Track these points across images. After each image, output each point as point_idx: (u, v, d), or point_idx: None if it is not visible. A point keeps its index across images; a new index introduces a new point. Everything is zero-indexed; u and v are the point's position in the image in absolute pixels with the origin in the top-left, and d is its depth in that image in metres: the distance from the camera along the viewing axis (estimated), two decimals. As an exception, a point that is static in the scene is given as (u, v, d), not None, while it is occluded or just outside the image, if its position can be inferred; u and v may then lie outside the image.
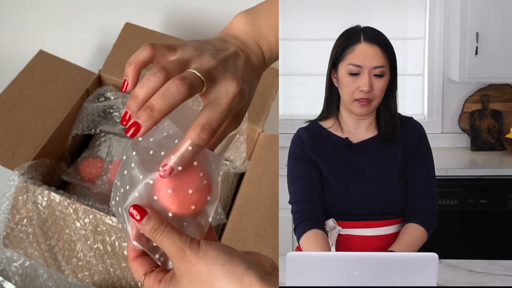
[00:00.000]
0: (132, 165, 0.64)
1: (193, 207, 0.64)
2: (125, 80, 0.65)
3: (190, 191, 0.64)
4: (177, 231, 0.63)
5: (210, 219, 0.66)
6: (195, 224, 0.65)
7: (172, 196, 0.63)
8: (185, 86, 0.61)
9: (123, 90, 0.66)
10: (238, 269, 0.61)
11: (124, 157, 0.66)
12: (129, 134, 0.62)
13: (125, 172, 0.64)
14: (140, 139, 0.65)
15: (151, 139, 0.65)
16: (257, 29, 0.77)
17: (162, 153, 0.64)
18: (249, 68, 0.72)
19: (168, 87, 0.61)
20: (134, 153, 0.64)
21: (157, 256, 0.65)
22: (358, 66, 1.05)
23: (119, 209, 0.65)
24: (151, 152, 0.65)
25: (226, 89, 0.66)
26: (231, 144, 1.43)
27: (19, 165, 1.21)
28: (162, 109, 0.61)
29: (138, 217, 0.62)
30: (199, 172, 0.64)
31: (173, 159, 0.61)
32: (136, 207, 0.63)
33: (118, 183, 0.66)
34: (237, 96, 0.67)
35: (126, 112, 0.63)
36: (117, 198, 0.66)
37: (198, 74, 0.64)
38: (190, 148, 0.62)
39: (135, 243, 0.64)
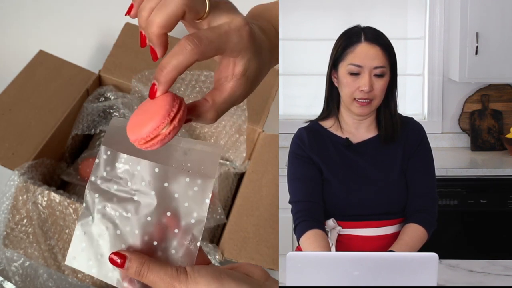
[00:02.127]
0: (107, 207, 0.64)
1: (176, 230, 0.63)
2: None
3: (169, 213, 0.63)
4: (162, 265, 0.61)
5: (199, 243, 0.64)
6: (184, 251, 0.63)
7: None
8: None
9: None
10: None
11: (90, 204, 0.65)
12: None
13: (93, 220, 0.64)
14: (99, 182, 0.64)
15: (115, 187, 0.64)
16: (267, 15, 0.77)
17: (129, 183, 0.64)
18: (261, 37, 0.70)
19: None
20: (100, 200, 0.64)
21: None
22: (359, 66, 1.05)
23: (98, 256, 0.64)
24: (117, 187, 0.64)
25: (231, 21, 0.64)
26: (231, 144, 1.43)
27: (19, 165, 1.21)
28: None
29: (119, 262, 0.61)
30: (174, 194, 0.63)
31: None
32: (115, 253, 0.62)
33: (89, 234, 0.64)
34: (243, 30, 0.64)
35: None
36: (94, 248, 0.64)
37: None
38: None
39: (126, 285, 0.63)
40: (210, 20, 0.64)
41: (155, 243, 0.63)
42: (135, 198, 0.64)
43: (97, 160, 0.65)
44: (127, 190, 0.64)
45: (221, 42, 0.62)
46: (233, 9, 0.66)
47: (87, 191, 0.64)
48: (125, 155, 0.64)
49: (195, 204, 0.63)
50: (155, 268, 0.61)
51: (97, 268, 0.64)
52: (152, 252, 0.63)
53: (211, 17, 0.64)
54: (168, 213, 0.63)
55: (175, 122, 0.60)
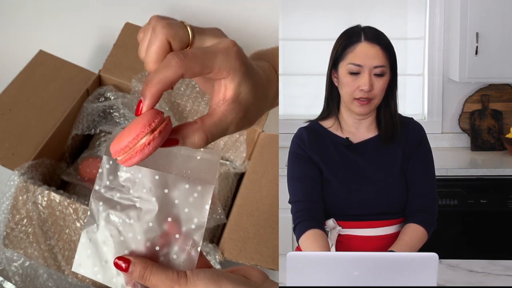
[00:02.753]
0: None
1: (177, 236, 0.65)
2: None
3: (169, 219, 0.65)
4: (163, 269, 0.63)
5: (199, 248, 0.65)
6: (185, 256, 0.65)
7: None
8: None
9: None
10: None
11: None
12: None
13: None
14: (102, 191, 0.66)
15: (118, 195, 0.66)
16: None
17: (131, 191, 0.65)
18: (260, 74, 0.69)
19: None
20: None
21: None
22: (359, 65, 1.05)
23: (103, 262, 0.66)
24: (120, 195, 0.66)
25: (218, 42, 0.64)
26: (231, 144, 1.43)
27: (19, 165, 1.21)
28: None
29: (124, 266, 0.63)
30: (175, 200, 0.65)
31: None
32: (119, 258, 0.64)
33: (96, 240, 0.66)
34: (230, 50, 0.63)
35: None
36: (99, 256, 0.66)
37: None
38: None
39: None
40: (197, 45, 0.65)
41: (157, 248, 0.65)
42: (137, 205, 0.65)
43: (100, 170, 0.66)
44: (129, 198, 0.66)
45: (207, 59, 0.62)
46: (220, 34, 0.67)
47: (91, 200, 0.67)
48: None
49: (195, 210, 0.65)
50: (157, 272, 0.63)
51: (102, 274, 0.66)
52: (154, 257, 0.65)
53: (199, 42, 0.65)
54: (169, 219, 0.65)
55: (156, 132, 0.60)
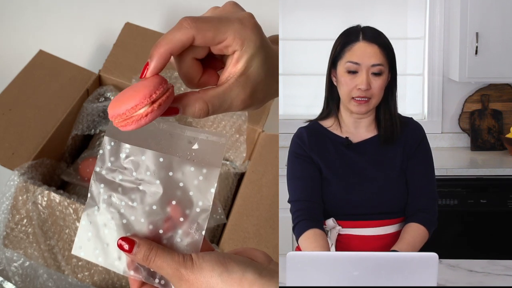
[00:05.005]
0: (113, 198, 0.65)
1: (181, 219, 0.64)
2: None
3: (174, 202, 0.64)
4: (169, 251, 0.62)
5: (204, 232, 0.65)
6: (189, 239, 0.64)
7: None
8: None
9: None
10: (235, 275, 0.61)
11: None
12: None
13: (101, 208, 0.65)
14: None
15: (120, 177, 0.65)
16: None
17: (134, 173, 0.64)
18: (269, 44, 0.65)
19: None
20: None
21: (157, 280, 0.65)
22: (356, 63, 1.05)
23: (104, 245, 0.65)
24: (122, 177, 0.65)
25: (234, 12, 0.61)
26: (231, 144, 1.43)
27: (19, 165, 1.21)
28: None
29: (127, 248, 0.62)
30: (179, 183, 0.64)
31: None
32: (123, 239, 0.63)
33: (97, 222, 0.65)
34: (246, 20, 0.60)
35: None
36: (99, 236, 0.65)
37: None
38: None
39: (132, 273, 0.64)
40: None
41: (160, 231, 0.64)
42: (140, 187, 0.64)
43: (101, 151, 0.65)
44: (132, 180, 0.65)
45: (221, 25, 0.59)
46: (240, 10, 0.64)
47: (92, 181, 0.65)
48: (129, 145, 0.65)
49: (200, 193, 0.64)
50: (162, 254, 0.62)
51: (103, 257, 0.65)
52: (157, 240, 0.64)
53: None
54: (173, 202, 0.64)
55: (155, 105, 0.58)
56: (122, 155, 0.65)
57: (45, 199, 1.18)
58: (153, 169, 0.64)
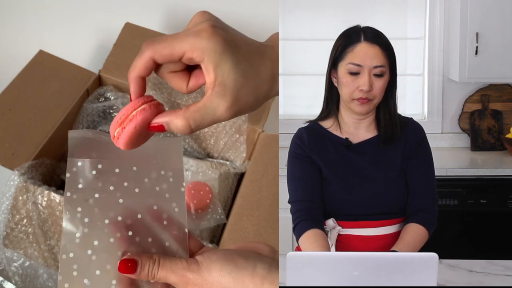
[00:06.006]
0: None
1: (165, 222, 0.64)
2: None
3: (155, 207, 0.65)
4: (171, 259, 0.62)
5: (186, 229, 0.64)
6: (175, 240, 0.64)
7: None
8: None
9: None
10: (246, 271, 0.61)
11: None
12: None
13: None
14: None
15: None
16: None
17: (111, 187, 0.64)
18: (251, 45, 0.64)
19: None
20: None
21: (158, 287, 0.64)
22: (358, 65, 1.05)
23: (97, 272, 0.61)
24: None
25: (193, 25, 0.62)
26: (231, 144, 1.43)
27: (19, 165, 1.21)
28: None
29: (131, 269, 0.61)
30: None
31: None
32: (123, 261, 0.60)
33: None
34: (203, 32, 0.60)
35: None
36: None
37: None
38: None
39: None
40: None
41: (149, 239, 0.63)
42: (120, 201, 0.63)
43: (68, 175, 0.62)
44: (109, 195, 0.63)
45: (176, 41, 0.60)
46: (200, 17, 0.64)
47: (65, 210, 0.61)
48: (98, 162, 0.64)
49: (174, 193, 0.65)
50: (165, 263, 0.61)
51: (96, 286, 0.61)
52: (148, 249, 0.63)
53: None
54: (155, 207, 0.64)
55: (123, 125, 0.61)
56: (94, 173, 0.63)
57: (45, 199, 1.18)
58: (128, 179, 0.64)
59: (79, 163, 0.63)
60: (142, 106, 0.61)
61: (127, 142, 0.61)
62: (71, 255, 0.60)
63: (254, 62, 0.63)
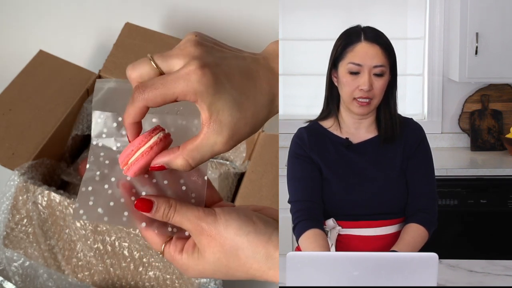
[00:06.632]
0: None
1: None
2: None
3: None
4: (188, 207, 0.62)
5: (206, 177, 0.66)
6: (193, 186, 0.65)
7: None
8: None
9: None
10: (263, 237, 0.61)
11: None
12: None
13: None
14: None
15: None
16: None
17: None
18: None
19: None
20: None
21: (169, 229, 0.65)
22: (358, 65, 1.05)
23: (111, 203, 0.64)
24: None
25: (183, 67, 0.60)
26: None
27: (19, 165, 1.21)
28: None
29: (146, 208, 0.62)
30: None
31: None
32: (140, 200, 0.63)
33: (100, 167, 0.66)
34: (192, 74, 0.59)
35: None
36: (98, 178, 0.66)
37: None
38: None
39: (143, 225, 0.64)
40: (166, 72, 0.63)
41: (165, 182, 0.65)
42: None
43: (93, 125, 0.67)
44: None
45: (166, 88, 0.59)
46: (187, 53, 0.61)
47: (90, 152, 0.66)
48: (118, 115, 0.67)
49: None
50: (181, 209, 0.62)
51: (109, 216, 0.64)
52: (163, 191, 0.65)
53: (166, 69, 0.62)
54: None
55: (128, 164, 0.64)
56: (115, 124, 0.67)
57: (45, 199, 1.18)
58: (148, 127, 0.66)
59: (102, 116, 0.67)
60: (152, 142, 0.64)
61: (133, 175, 0.64)
62: (90, 188, 0.65)
63: (249, 92, 0.62)
